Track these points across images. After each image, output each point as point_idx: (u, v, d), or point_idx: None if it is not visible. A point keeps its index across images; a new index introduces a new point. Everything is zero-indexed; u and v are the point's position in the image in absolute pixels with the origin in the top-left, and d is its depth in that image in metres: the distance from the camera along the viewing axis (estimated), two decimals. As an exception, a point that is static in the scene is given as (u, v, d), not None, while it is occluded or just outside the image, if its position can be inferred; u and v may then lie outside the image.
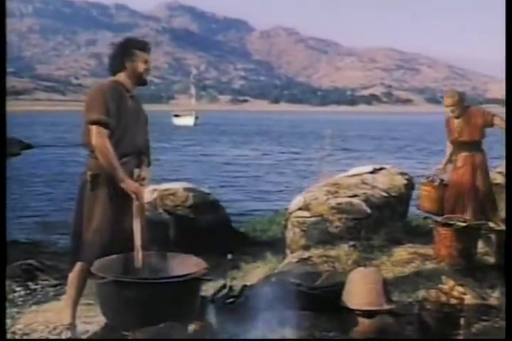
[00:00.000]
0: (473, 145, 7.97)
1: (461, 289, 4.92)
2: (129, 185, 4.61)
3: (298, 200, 8.48)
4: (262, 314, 4.99)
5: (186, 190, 9.50)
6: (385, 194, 8.45)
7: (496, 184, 8.51)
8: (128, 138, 4.80)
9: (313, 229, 7.91)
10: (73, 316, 4.89)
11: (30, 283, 7.01)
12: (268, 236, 10.64)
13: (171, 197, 9.25)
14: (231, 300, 5.17)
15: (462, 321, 4.60)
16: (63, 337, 4.82)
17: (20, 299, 6.40)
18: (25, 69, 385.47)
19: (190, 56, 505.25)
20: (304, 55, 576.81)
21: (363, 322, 4.60)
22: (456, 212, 7.61)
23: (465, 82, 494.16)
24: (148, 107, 5.59)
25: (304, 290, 5.25)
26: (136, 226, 4.60)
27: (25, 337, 5.05)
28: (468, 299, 4.85)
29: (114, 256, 4.56)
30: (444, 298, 4.78)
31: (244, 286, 5.52)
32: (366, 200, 8.22)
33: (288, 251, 8.00)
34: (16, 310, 5.88)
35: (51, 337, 5.01)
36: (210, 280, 4.69)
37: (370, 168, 9.27)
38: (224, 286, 5.43)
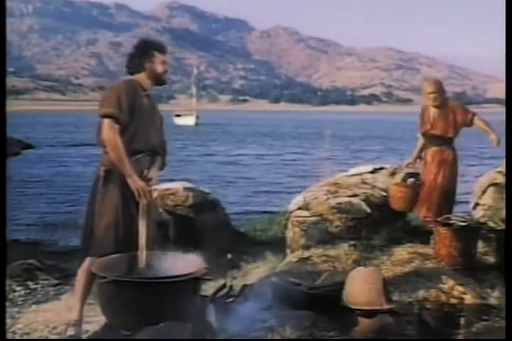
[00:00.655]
0: (444, 141, 7.83)
1: (461, 289, 4.92)
2: (135, 182, 4.65)
3: (298, 200, 8.47)
4: (262, 313, 5.00)
5: (186, 189, 9.50)
6: (385, 193, 8.42)
7: (496, 183, 8.51)
8: (141, 135, 4.85)
9: (313, 228, 7.91)
10: (80, 313, 4.89)
11: (30, 283, 7.00)
12: (268, 235, 10.64)
13: (171, 197, 9.25)
14: (231, 299, 5.18)
15: (462, 321, 4.60)
16: (67, 333, 4.81)
17: (21, 299, 6.39)
18: (25, 69, 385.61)
19: (190, 56, 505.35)
20: (304, 55, 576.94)
21: (363, 322, 4.61)
22: (421, 208, 7.72)
23: (465, 82, 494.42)
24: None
25: (304, 289, 5.25)
26: (142, 226, 4.62)
27: (25, 337, 5.05)
28: (469, 299, 4.85)
29: (117, 255, 4.58)
30: (444, 298, 4.78)
31: (245, 286, 5.52)
32: (366, 200, 8.21)
33: (288, 251, 8.00)
34: (16, 309, 5.88)
35: (51, 336, 5.02)
36: (210, 279, 4.69)
37: (370, 168, 9.25)
38: (224, 286, 5.43)
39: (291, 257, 7.31)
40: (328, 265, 6.67)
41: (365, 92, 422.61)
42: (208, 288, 5.39)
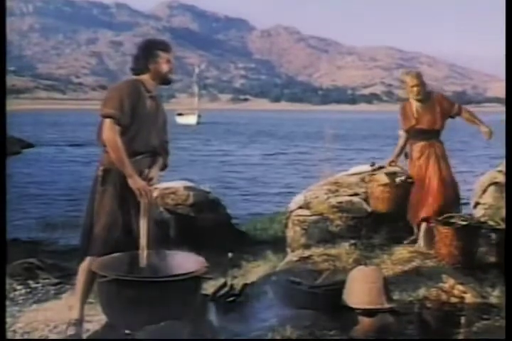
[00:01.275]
0: (432, 134, 7.66)
1: (461, 288, 4.93)
2: (135, 181, 4.67)
3: (298, 199, 8.48)
4: (263, 312, 5.00)
5: (187, 188, 9.50)
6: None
7: (496, 182, 8.50)
8: (142, 137, 4.86)
9: (313, 227, 7.92)
10: (81, 312, 4.89)
11: (30, 282, 7.00)
12: (269, 234, 10.64)
13: (171, 196, 9.26)
14: (232, 298, 5.18)
15: (463, 320, 4.60)
16: (68, 333, 4.81)
17: (21, 298, 6.40)
18: (25, 68, 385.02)
19: (191, 55, 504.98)
20: (305, 54, 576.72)
21: (364, 321, 4.61)
22: (420, 207, 7.47)
23: (466, 81, 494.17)
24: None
25: (305, 288, 5.26)
26: (143, 225, 4.62)
27: (25, 336, 5.05)
28: (469, 298, 4.85)
29: (118, 254, 4.58)
30: (444, 297, 4.78)
31: (245, 285, 5.53)
32: (367, 199, 8.21)
33: (288, 250, 8.01)
34: (16, 308, 5.89)
35: (52, 335, 5.02)
36: (210, 278, 4.71)
37: (370, 167, 9.25)
38: (225, 285, 5.44)
39: (292, 256, 7.31)
40: (328, 264, 6.67)
41: (366, 91, 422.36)
42: (209, 287, 5.40)
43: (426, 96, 7.62)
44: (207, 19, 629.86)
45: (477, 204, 8.70)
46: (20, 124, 57.14)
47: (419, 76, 7.61)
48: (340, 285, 4.92)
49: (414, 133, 7.68)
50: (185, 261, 4.60)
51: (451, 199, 7.51)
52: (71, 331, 4.79)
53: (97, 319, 5.01)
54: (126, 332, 4.21)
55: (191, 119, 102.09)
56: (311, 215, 8.07)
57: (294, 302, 5.14)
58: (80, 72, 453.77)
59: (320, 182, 9.08)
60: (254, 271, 7.22)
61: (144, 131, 4.86)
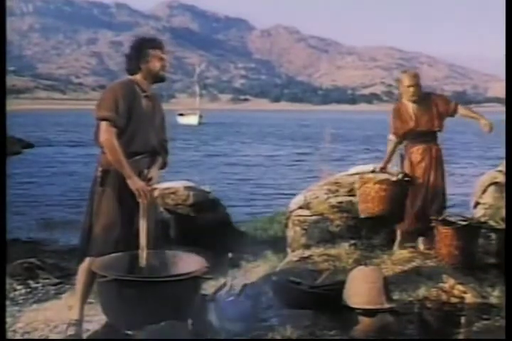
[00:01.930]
0: (431, 136, 7.55)
1: (461, 288, 4.92)
2: (134, 182, 4.66)
3: (298, 199, 8.49)
4: (263, 312, 5.00)
5: (187, 188, 9.50)
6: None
7: (496, 182, 8.49)
8: (140, 137, 4.85)
9: (313, 227, 7.92)
10: (81, 312, 4.89)
11: (31, 282, 7.02)
12: (269, 234, 10.64)
13: (171, 196, 9.26)
14: (231, 298, 5.18)
15: (463, 320, 4.60)
16: (68, 333, 4.81)
17: (21, 297, 6.41)
18: (26, 68, 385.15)
19: (191, 55, 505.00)
20: (305, 54, 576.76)
21: (364, 321, 4.61)
22: (425, 211, 7.35)
23: (466, 81, 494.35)
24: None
25: (305, 288, 5.26)
26: (142, 226, 4.62)
27: (26, 336, 5.06)
28: (469, 298, 4.85)
29: (118, 254, 4.58)
30: (444, 297, 4.78)
31: (245, 285, 5.52)
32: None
33: (289, 250, 8.01)
34: (16, 308, 5.90)
35: (52, 335, 5.03)
36: (210, 278, 4.70)
37: (370, 167, 9.24)
38: (224, 285, 5.43)
39: (292, 256, 7.32)
40: (328, 264, 6.67)
41: (366, 91, 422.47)
42: (209, 287, 5.40)
43: (421, 97, 7.46)
44: (207, 19, 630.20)
45: (477, 204, 8.69)
46: (20, 124, 57.19)
47: (416, 76, 7.46)
48: (341, 285, 4.91)
49: (413, 136, 7.54)
50: (185, 261, 4.60)
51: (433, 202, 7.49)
52: (71, 331, 4.80)
53: (96, 319, 5.01)
54: (126, 332, 4.21)
55: (193, 119, 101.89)
56: (311, 215, 8.07)
57: (294, 302, 5.14)
58: (80, 72, 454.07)
59: (320, 182, 9.08)
60: (254, 271, 7.22)
61: (141, 131, 4.85)
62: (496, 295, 5.50)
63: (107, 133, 4.66)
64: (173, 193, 9.30)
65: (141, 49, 4.95)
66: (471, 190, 9.07)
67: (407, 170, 7.48)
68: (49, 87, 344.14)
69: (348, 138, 56.75)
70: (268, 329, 4.68)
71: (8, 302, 5.81)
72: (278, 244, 8.79)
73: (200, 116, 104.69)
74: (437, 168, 7.50)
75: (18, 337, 5.04)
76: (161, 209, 8.82)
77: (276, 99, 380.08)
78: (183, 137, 56.76)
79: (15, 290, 6.64)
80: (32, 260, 7.71)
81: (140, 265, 4.55)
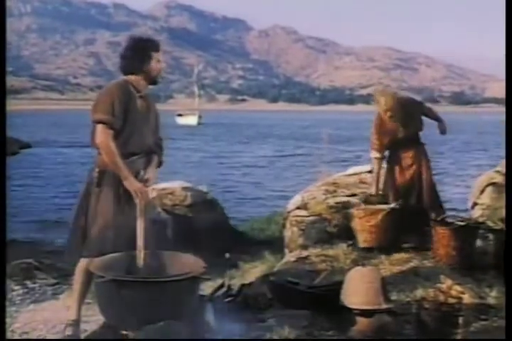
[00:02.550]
0: (416, 138, 7.65)
1: (459, 288, 4.93)
2: (132, 183, 4.64)
3: (296, 199, 8.49)
4: (260, 313, 5.00)
5: (184, 189, 9.52)
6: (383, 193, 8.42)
7: (494, 183, 8.50)
8: (136, 138, 4.83)
9: (311, 228, 7.92)
10: (78, 312, 4.88)
11: (28, 282, 7.01)
12: (266, 235, 10.65)
13: (169, 197, 9.27)
14: (229, 299, 5.18)
15: (460, 320, 4.60)
16: (66, 333, 4.81)
17: (19, 298, 6.40)
18: (23, 69, 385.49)
19: (189, 55, 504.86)
20: (303, 55, 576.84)
21: (362, 321, 4.61)
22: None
23: (463, 81, 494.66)
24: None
25: (303, 289, 5.26)
26: (140, 226, 4.61)
27: (23, 336, 5.05)
28: (467, 298, 4.85)
29: (115, 254, 4.57)
30: (442, 297, 4.78)
31: (243, 285, 5.53)
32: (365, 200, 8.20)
33: (286, 250, 8.01)
34: (14, 308, 5.89)
35: (49, 335, 5.02)
36: (208, 279, 4.70)
37: (368, 168, 9.25)
38: (222, 285, 5.44)
39: (290, 256, 7.32)
40: (326, 264, 6.66)
41: (364, 92, 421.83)
42: (206, 288, 5.40)
43: (398, 110, 7.48)
44: (205, 19, 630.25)
45: (475, 204, 8.69)
46: (17, 125, 57.10)
47: (393, 97, 7.52)
48: (338, 285, 4.91)
49: (399, 143, 7.59)
50: (182, 262, 4.60)
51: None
52: (68, 331, 4.79)
53: (94, 319, 5.00)
54: (124, 332, 4.21)
55: (192, 120, 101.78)
56: (308, 216, 8.08)
57: (291, 302, 5.15)
58: (77, 72, 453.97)
59: (318, 183, 9.08)
60: (252, 271, 7.23)
61: (137, 132, 4.83)
62: (493, 296, 5.50)
63: (103, 135, 4.64)
64: (170, 194, 9.31)
65: (144, 51, 4.91)
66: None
67: (397, 175, 7.58)
68: (47, 88, 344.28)
69: (346, 139, 56.70)
70: (266, 329, 4.68)
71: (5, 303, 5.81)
72: (275, 245, 8.80)
73: (200, 117, 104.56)
74: (427, 166, 7.60)
75: (16, 337, 5.03)
76: (159, 209, 8.83)
77: (274, 100, 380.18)
78: (182, 137, 56.77)
79: (12, 290, 6.62)
80: (29, 260, 7.70)
81: (138, 265, 4.55)
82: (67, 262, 5.00)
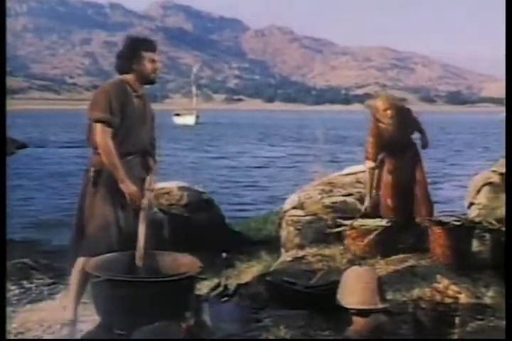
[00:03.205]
0: (410, 140, 7.71)
1: (455, 288, 4.93)
2: (127, 186, 4.65)
3: (292, 199, 8.48)
4: (257, 313, 5.00)
5: (181, 188, 9.50)
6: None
7: (491, 183, 8.49)
8: (133, 137, 4.83)
9: (307, 227, 7.91)
10: (75, 312, 4.88)
11: (24, 282, 7.00)
12: (263, 235, 10.64)
13: (165, 196, 9.25)
14: (226, 298, 5.18)
15: (457, 320, 4.61)
16: (62, 333, 4.80)
17: (15, 298, 6.39)
18: (19, 69, 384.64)
19: (185, 55, 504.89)
20: (299, 54, 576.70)
21: (358, 321, 4.60)
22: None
23: (460, 81, 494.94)
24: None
25: (299, 289, 5.26)
26: (141, 228, 4.61)
27: (19, 336, 5.05)
28: (463, 298, 4.86)
29: (112, 254, 4.58)
30: (438, 297, 4.79)
31: (239, 285, 5.52)
32: (360, 199, 8.20)
33: (282, 250, 8.00)
34: (10, 308, 5.87)
35: (46, 336, 5.01)
36: (204, 278, 4.70)
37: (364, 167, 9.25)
38: (218, 285, 5.43)
39: (286, 256, 7.31)
40: (322, 264, 6.65)
41: (360, 92, 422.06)
42: (203, 287, 5.40)
43: (397, 109, 7.55)
44: (201, 19, 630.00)
45: (471, 204, 8.68)
46: (14, 125, 57.02)
47: (389, 98, 7.63)
48: (335, 285, 4.90)
49: (396, 148, 7.60)
50: (179, 262, 4.60)
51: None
52: (65, 331, 4.79)
53: (90, 319, 4.99)
54: (120, 332, 4.20)
55: (189, 120, 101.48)
56: (305, 215, 8.07)
57: (288, 302, 5.14)
58: (73, 72, 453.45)
59: (314, 183, 9.08)
60: (248, 271, 7.21)
61: (134, 131, 4.83)
62: (490, 296, 5.50)
63: (102, 134, 4.64)
64: (167, 193, 9.30)
65: (135, 50, 4.90)
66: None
67: (389, 179, 7.59)
68: (43, 87, 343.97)
69: (342, 139, 56.74)
70: (262, 329, 4.67)
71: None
72: (272, 244, 8.79)
73: (197, 116, 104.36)
74: (421, 166, 7.63)
75: (12, 337, 5.02)
76: (155, 209, 8.81)
77: (270, 99, 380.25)
78: (181, 138, 56.74)
79: (9, 290, 6.61)
80: (26, 260, 7.69)
81: (137, 265, 4.54)
82: (69, 261, 4.98)
